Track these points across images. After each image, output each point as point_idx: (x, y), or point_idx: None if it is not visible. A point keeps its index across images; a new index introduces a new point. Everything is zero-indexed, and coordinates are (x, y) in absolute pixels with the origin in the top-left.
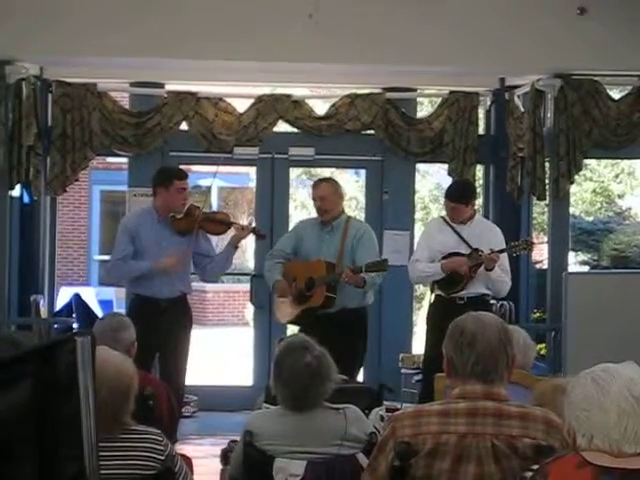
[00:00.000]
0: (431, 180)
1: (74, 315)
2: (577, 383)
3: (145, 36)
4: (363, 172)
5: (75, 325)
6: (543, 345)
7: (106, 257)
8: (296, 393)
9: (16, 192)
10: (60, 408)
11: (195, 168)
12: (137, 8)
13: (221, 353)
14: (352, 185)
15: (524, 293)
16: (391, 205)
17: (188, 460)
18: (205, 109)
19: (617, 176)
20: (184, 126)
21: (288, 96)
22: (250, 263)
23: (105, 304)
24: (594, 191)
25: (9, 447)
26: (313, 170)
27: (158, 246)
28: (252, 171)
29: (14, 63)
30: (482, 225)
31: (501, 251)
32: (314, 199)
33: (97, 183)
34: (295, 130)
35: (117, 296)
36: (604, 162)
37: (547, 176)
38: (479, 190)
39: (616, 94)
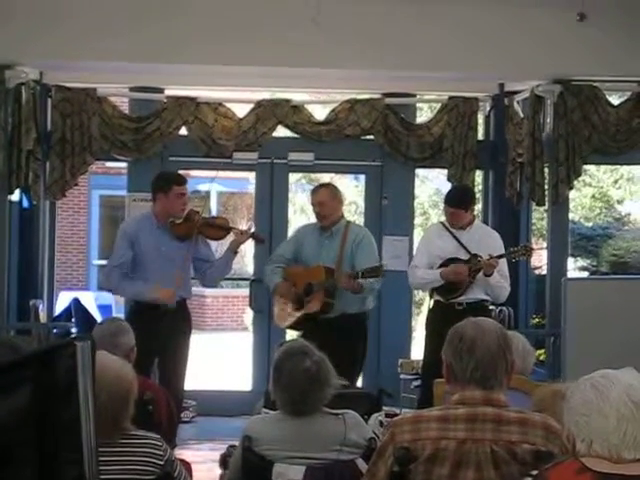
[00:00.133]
0: (430, 185)
1: (73, 320)
2: (576, 389)
3: (145, 41)
4: (362, 177)
5: (74, 330)
6: (542, 351)
7: (105, 262)
8: (295, 398)
9: (15, 197)
10: (60, 413)
11: (194, 173)
12: (137, 13)
13: (220, 358)
14: (351, 190)
15: (523, 299)
16: (390, 210)
17: (187, 465)
18: (204, 114)
19: (616, 182)
20: (183, 131)
21: (287, 101)
22: (249, 268)
23: (104, 309)
24: (593, 197)
25: (9, 451)
26: (313, 175)
27: (157, 251)
28: (251, 176)
29: (14, 67)
30: (481, 230)
31: (500, 256)
32: (313, 205)
33: (96, 188)
34: (294, 135)
35: (116, 301)
36: (603, 168)
37: (546, 182)
38: (478, 195)
39: (615, 100)
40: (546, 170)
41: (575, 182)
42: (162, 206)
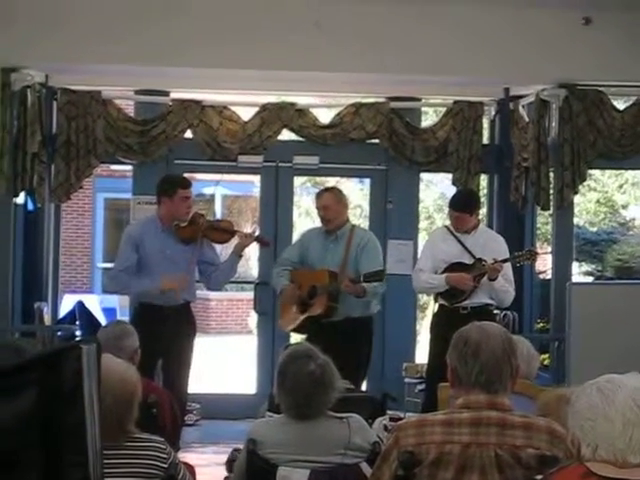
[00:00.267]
0: (435, 189)
1: (77, 323)
2: (582, 393)
3: (150, 44)
4: (367, 181)
5: (78, 332)
6: (546, 355)
7: (110, 265)
8: (299, 401)
9: (20, 199)
10: (65, 416)
11: (199, 176)
12: (142, 16)
13: (224, 361)
14: (357, 193)
15: (528, 303)
16: (395, 214)
17: (191, 468)
18: (210, 117)
19: (621, 186)
20: (189, 134)
21: (293, 105)
22: (254, 271)
23: (108, 312)
24: (598, 201)
25: (14, 455)
26: (318, 178)
27: (162, 254)
28: (256, 179)
29: (19, 70)
30: (486, 235)
31: (505, 261)
32: (318, 208)
33: (101, 191)
34: (299, 139)
35: (120, 304)
36: (608, 172)
37: (551, 186)
38: (483, 200)
39: (621, 105)
40: (551, 175)
41: (580, 187)
42: (167, 209)
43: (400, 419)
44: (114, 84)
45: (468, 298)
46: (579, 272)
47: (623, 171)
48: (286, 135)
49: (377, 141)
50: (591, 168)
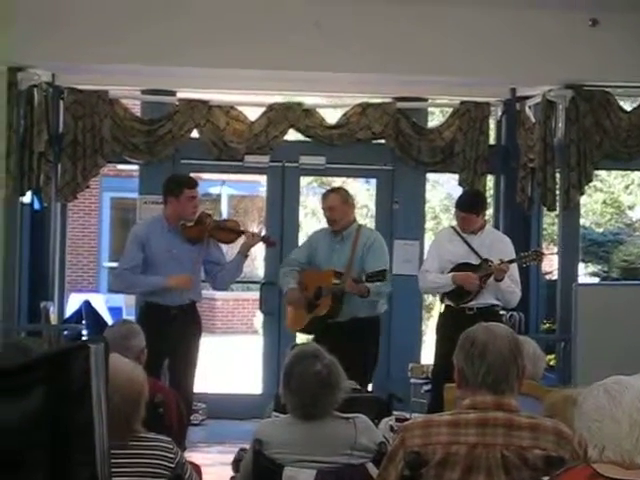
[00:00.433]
0: (441, 190)
1: (84, 322)
2: (589, 394)
3: (157, 44)
4: (374, 181)
5: (85, 332)
6: (552, 356)
7: (116, 264)
8: (305, 402)
9: (27, 198)
10: (73, 415)
11: (206, 176)
12: (149, 16)
13: (230, 361)
14: (363, 193)
15: (534, 304)
16: (401, 215)
17: (197, 468)
18: (216, 117)
19: (627, 187)
20: (195, 134)
21: (299, 105)
22: (260, 271)
23: (114, 311)
24: (604, 202)
25: (21, 454)
26: (324, 178)
27: (169, 254)
28: (263, 179)
29: (26, 70)
30: (492, 235)
31: (511, 261)
32: (324, 209)
33: (107, 190)
34: (306, 139)
35: (127, 303)
36: (614, 173)
37: (557, 187)
38: (489, 200)
39: (627, 105)
40: (557, 175)
41: (586, 187)
42: (173, 209)
43: (406, 420)
44: (121, 84)
45: (474, 299)
46: (585, 273)
47: (629, 172)
48: (292, 135)
49: (383, 141)
50: (597, 169)
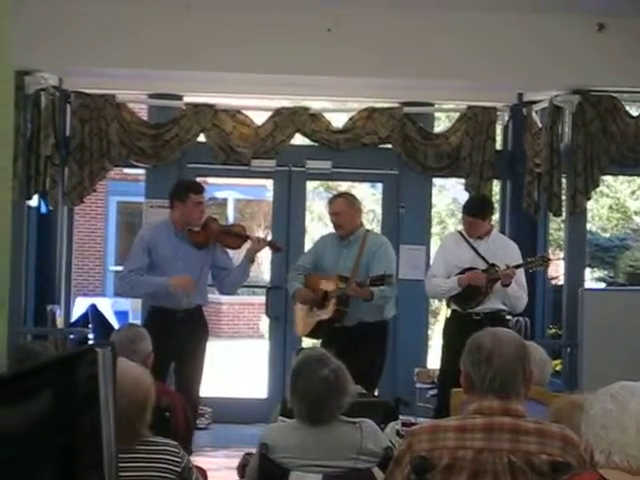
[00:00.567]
0: (448, 195)
1: (90, 326)
2: (596, 400)
3: (164, 48)
4: (380, 186)
5: (91, 336)
6: (559, 361)
7: (122, 268)
8: (312, 406)
9: (33, 202)
10: (81, 419)
11: (212, 180)
12: (156, 20)
13: (236, 365)
14: (369, 198)
15: (540, 309)
16: (407, 219)
17: (203, 472)
18: (223, 121)
19: (634, 193)
20: (202, 138)
21: (306, 109)
22: (266, 275)
23: (121, 315)
24: (610, 208)
25: (30, 457)
26: (330, 183)
27: (175, 259)
28: (269, 183)
29: (33, 73)
30: (499, 240)
31: (518, 266)
32: (330, 214)
33: (114, 194)
34: (312, 143)
35: (133, 307)
36: (621, 178)
37: (564, 192)
38: (496, 205)
39: (634, 111)
40: (564, 180)
41: (592, 193)
42: (180, 214)
43: (412, 424)
44: (128, 88)
45: (481, 304)
46: (591, 278)
47: (636, 177)
48: (299, 139)
49: (390, 146)
50: (604, 174)
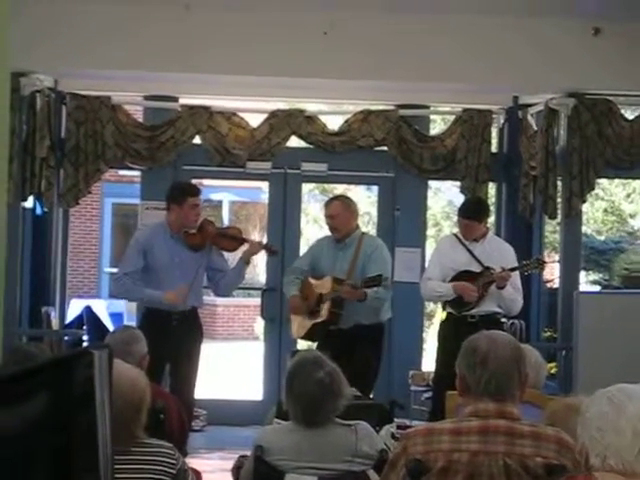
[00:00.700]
0: (443, 197)
1: (85, 327)
2: (592, 403)
3: (159, 50)
4: (375, 188)
5: (85, 337)
6: (554, 364)
7: (117, 270)
8: (307, 409)
9: (29, 203)
10: (76, 420)
11: (207, 182)
12: (152, 22)
13: (231, 367)
14: (364, 201)
15: (535, 312)
16: (403, 222)
17: (198, 474)
18: (218, 123)
19: (629, 196)
20: (197, 140)
21: (301, 111)
22: (261, 277)
23: (116, 317)
24: (606, 210)
25: (25, 459)
26: (326, 185)
27: (170, 261)
28: (264, 186)
29: (28, 75)
30: (494, 243)
31: (513, 269)
32: (326, 217)
33: (109, 196)
34: (308, 145)
35: (128, 309)
36: (616, 181)
37: (559, 195)
38: (491, 208)
39: (629, 114)
40: (559, 183)
41: (588, 196)
42: (176, 216)
43: (407, 427)
44: (123, 90)
45: (476, 306)
46: (586, 281)
47: (631, 180)
48: (294, 142)
49: (385, 148)
50: (599, 177)
